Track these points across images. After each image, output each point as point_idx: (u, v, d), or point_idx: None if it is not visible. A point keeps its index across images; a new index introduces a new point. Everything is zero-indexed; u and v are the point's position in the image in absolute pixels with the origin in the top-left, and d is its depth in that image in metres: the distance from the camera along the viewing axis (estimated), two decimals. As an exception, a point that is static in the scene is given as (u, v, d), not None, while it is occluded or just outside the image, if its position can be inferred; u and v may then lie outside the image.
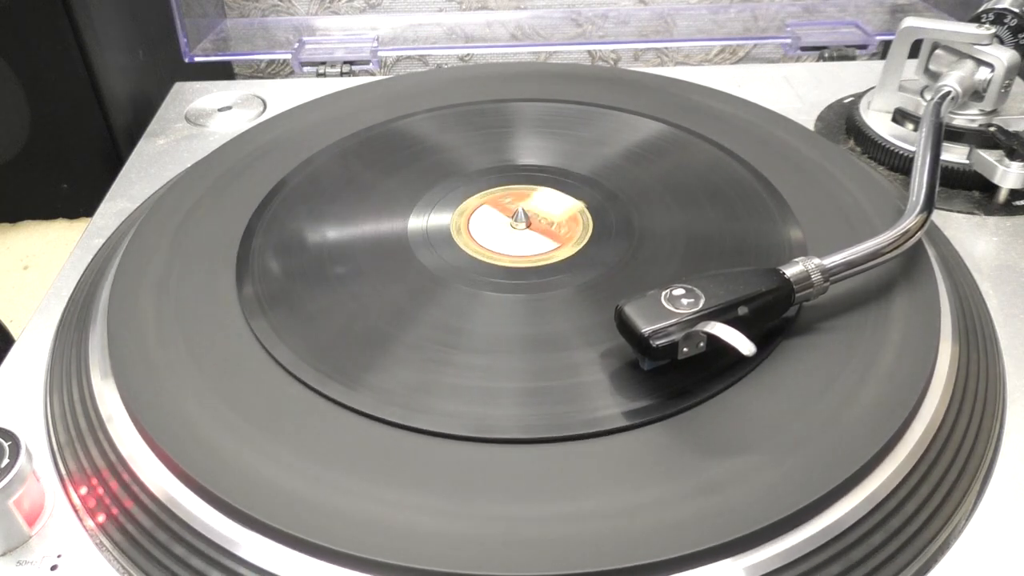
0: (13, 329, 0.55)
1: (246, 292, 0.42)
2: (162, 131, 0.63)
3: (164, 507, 0.33)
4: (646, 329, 0.34)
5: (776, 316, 0.38)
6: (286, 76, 0.96)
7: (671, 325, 0.35)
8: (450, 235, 0.47)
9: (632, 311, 0.35)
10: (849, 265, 0.39)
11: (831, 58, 0.73)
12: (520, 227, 0.47)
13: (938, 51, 0.56)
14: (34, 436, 0.38)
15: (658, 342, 0.34)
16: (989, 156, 0.51)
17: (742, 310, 0.36)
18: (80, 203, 0.69)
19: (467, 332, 0.40)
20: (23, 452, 0.33)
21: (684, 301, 0.35)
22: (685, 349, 0.35)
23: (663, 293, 0.36)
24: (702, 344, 0.35)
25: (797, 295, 0.38)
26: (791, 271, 0.38)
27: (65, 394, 0.39)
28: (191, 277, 0.43)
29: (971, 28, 0.54)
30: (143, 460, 0.35)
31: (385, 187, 0.51)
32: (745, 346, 0.33)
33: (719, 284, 0.36)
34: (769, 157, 0.52)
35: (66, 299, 0.46)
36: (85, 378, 0.39)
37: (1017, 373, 0.40)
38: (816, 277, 0.38)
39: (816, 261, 0.38)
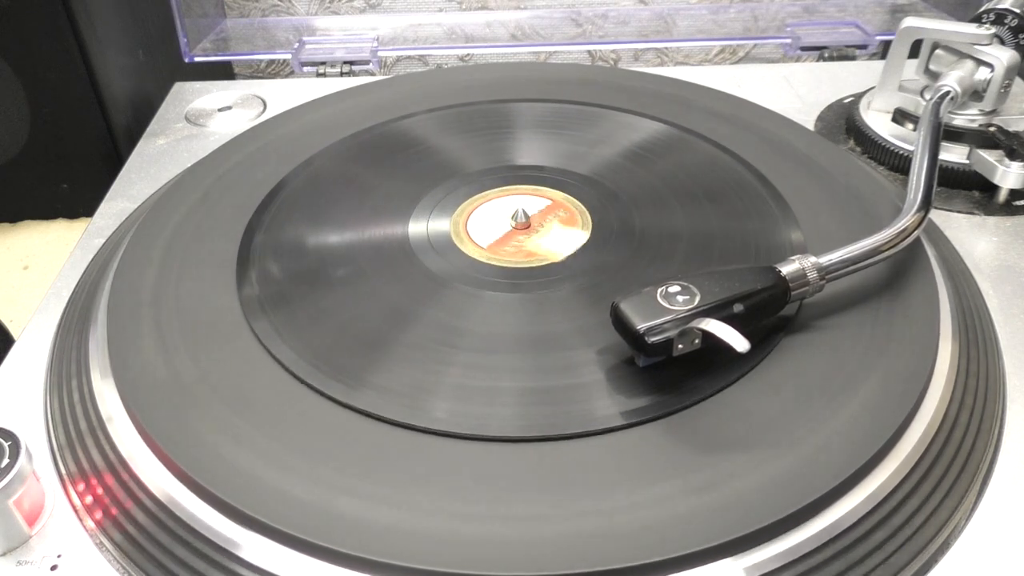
0: (13, 329, 0.55)
1: (246, 292, 0.42)
2: (162, 131, 0.63)
3: (164, 507, 0.33)
4: (641, 326, 0.35)
5: (772, 314, 0.38)
6: (286, 76, 0.97)
7: (666, 322, 0.35)
8: (450, 235, 0.46)
9: (627, 308, 0.35)
10: (845, 263, 0.39)
11: (831, 58, 0.73)
12: (519, 227, 0.47)
13: (938, 51, 0.56)
14: (34, 436, 0.38)
15: (653, 339, 0.34)
16: (989, 156, 0.51)
17: (737, 307, 0.36)
18: (80, 203, 0.69)
19: (467, 332, 0.40)
20: (23, 452, 0.33)
21: (680, 298, 0.35)
22: (680, 346, 0.35)
23: (659, 290, 0.36)
24: (697, 341, 0.35)
25: (793, 293, 0.38)
26: (787, 269, 0.38)
27: (65, 394, 0.39)
28: (191, 277, 0.43)
29: (971, 28, 0.54)
30: (143, 460, 0.35)
31: (385, 187, 0.51)
32: (740, 343, 0.33)
33: (715, 281, 0.36)
34: (769, 157, 0.52)
35: (66, 299, 0.46)
36: (85, 378, 0.39)
37: (1017, 373, 0.40)
38: (812, 275, 0.38)
39: (812, 259, 0.38)
